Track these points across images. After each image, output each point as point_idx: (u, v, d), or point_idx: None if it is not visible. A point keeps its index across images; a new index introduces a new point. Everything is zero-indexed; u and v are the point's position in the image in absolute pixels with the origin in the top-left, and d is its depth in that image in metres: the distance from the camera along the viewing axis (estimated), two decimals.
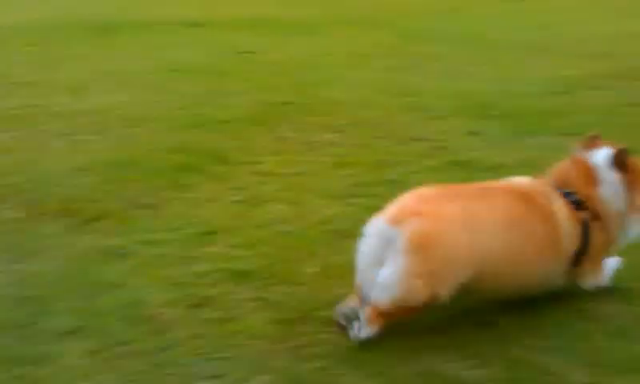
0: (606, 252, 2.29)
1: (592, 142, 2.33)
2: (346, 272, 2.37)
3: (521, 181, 2.31)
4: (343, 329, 2.05)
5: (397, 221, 2.08)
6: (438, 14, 8.31)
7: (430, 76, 5.24)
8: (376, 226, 2.13)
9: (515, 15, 8.06)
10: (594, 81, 4.95)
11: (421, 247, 2.03)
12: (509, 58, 5.83)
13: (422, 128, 3.97)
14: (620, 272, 2.29)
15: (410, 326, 2.08)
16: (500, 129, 3.89)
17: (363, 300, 2.07)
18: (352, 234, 2.68)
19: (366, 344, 2.00)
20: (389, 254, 2.05)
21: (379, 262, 2.06)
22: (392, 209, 2.15)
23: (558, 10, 8.28)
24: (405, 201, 2.17)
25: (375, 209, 2.82)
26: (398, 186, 3.17)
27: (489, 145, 3.65)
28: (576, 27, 7.11)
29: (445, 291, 2.02)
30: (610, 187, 2.24)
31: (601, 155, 2.27)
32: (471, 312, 2.16)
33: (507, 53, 6.04)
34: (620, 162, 2.24)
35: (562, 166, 2.36)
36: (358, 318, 2.03)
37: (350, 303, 2.10)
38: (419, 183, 3.09)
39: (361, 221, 2.74)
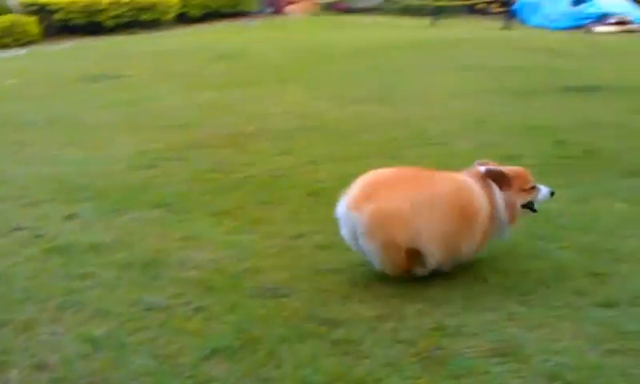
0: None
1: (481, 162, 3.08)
2: None
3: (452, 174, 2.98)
4: None
5: (355, 207, 2.73)
6: (21, 100, 8.08)
7: (21, 163, 5.12)
8: (341, 212, 2.78)
9: (100, 95, 8.22)
10: (175, 152, 5.30)
11: (376, 227, 2.70)
12: (97, 137, 5.94)
13: (18, 217, 3.90)
14: (224, 330, 2.59)
15: None
16: (94, 209, 4.00)
17: None
18: None
19: None
20: (358, 234, 2.73)
21: (356, 238, 2.77)
22: (351, 195, 2.77)
23: (138, 88, 8.67)
24: (360, 187, 2.79)
25: None
26: (1, 281, 3.13)
27: (85, 226, 3.74)
28: (154, 103, 7.52)
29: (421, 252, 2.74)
30: (495, 191, 2.94)
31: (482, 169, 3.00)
32: None
33: (95, 133, 6.14)
34: (490, 175, 2.96)
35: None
36: None
37: None
38: (22, 275, 3.14)
39: None
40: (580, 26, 18.39)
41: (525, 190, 3.04)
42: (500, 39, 13.35)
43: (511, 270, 3.00)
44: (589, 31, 17.61)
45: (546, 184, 4.01)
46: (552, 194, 3.13)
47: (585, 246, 3.20)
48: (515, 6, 20.75)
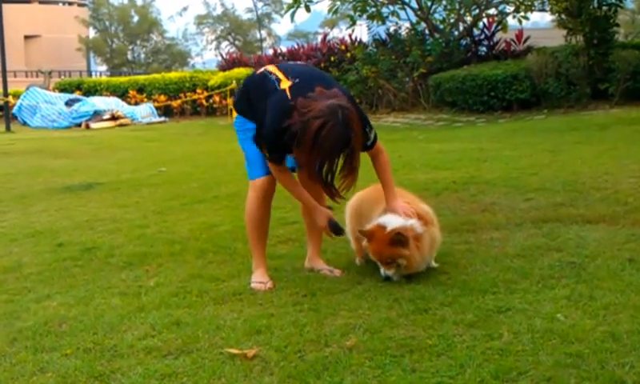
0: None
1: None
2: None
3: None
4: None
5: None
6: None
7: None
8: None
9: None
10: None
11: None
12: None
13: None
14: None
15: None
16: None
17: None
18: None
19: None
20: None
21: None
22: None
23: None
24: None
25: None
26: None
27: None
28: None
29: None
30: None
31: None
32: None
33: None
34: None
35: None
36: None
37: None
38: None
39: None
40: (78, 124, 18.63)
41: None
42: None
43: None
44: (88, 127, 17.95)
45: (48, 292, 3.82)
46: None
47: (88, 348, 3.05)
48: (14, 110, 19.92)
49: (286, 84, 3.55)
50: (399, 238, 3.50)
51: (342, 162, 3.43)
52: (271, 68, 3.72)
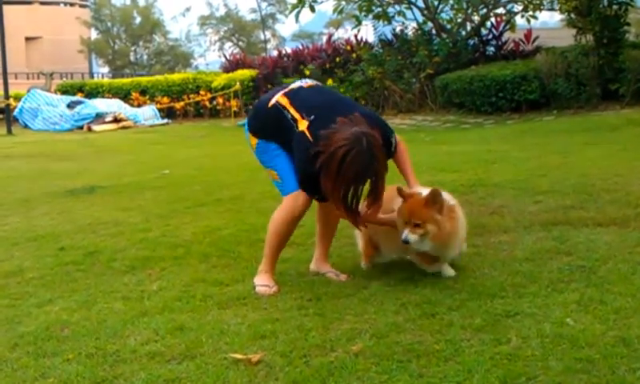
0: None
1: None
2: None
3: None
4: None
5: None
6: None
7: None
8: None
9: None
10: None
11: None
12: None
13: None
14: None
15: None
16: None
17: None
18: None
19: None
20: None
21: None
22: None
23: None
24: None
25: None
26: None
27: None
28: None
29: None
30: None
31: None
32: None
33: None
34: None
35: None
36: None
37: None
38: None
39: None
40: (80, 126, 18.69)
41: None
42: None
43: None
44: (90, 130, 18.00)
45: (49, 296, 3.83)
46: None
47: (90, 353, 3.06)
48: (15, 112, 19.99)
49: (303, 125, 3.55)
50: (436, 199, 3.52)
51: (369, 189, 3.49)
52: (283, 101, 3.67)
